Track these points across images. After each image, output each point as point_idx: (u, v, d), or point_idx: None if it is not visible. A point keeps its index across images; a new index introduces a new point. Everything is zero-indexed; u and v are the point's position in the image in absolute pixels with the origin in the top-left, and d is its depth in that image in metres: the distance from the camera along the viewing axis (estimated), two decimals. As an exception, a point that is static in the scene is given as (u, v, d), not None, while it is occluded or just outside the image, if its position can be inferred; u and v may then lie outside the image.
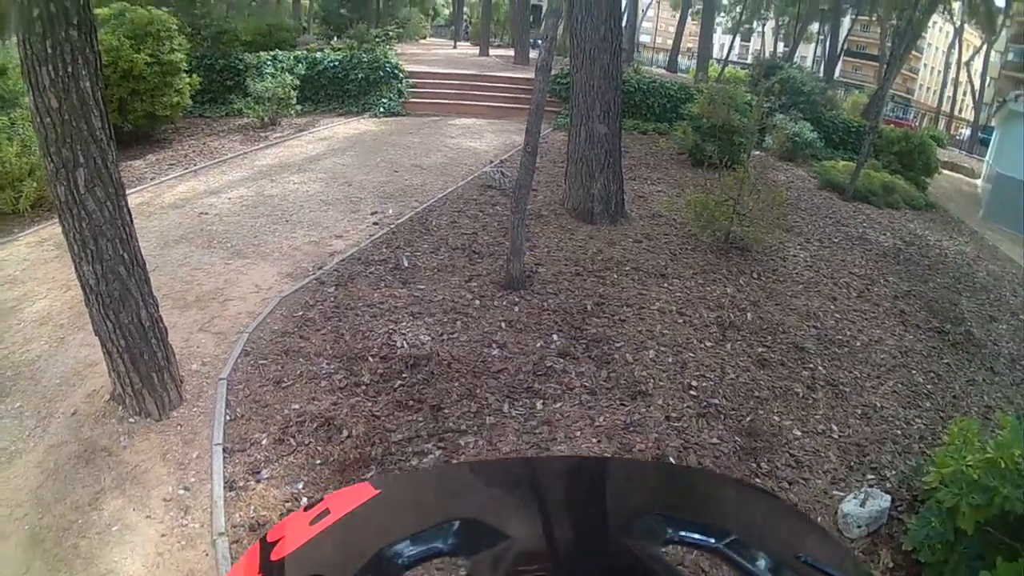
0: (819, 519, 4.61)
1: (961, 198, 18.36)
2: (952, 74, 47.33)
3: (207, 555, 4.10)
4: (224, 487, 4.56)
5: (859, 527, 4.48)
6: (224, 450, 4.87)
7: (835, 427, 5.67)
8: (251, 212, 9.14)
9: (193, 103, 13.32)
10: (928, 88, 60.13)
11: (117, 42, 10.88)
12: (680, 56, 38.20)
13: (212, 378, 5.64)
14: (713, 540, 1.38)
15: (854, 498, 4.63)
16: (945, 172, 19.95)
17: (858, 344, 7.14)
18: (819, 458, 5.24)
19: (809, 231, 10.56)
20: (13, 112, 8.91)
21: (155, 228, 8.21)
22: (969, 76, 46.65)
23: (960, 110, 51.14)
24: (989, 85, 46.18)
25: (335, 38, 22.55)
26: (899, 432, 5.81)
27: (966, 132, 42.29)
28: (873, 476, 5.15)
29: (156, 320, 5.08)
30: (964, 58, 45.51)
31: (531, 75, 17.15)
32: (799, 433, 5.48)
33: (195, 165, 11.33)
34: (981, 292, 9.79)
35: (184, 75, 12.44)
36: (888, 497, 4.68)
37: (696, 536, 1.41)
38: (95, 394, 5.40)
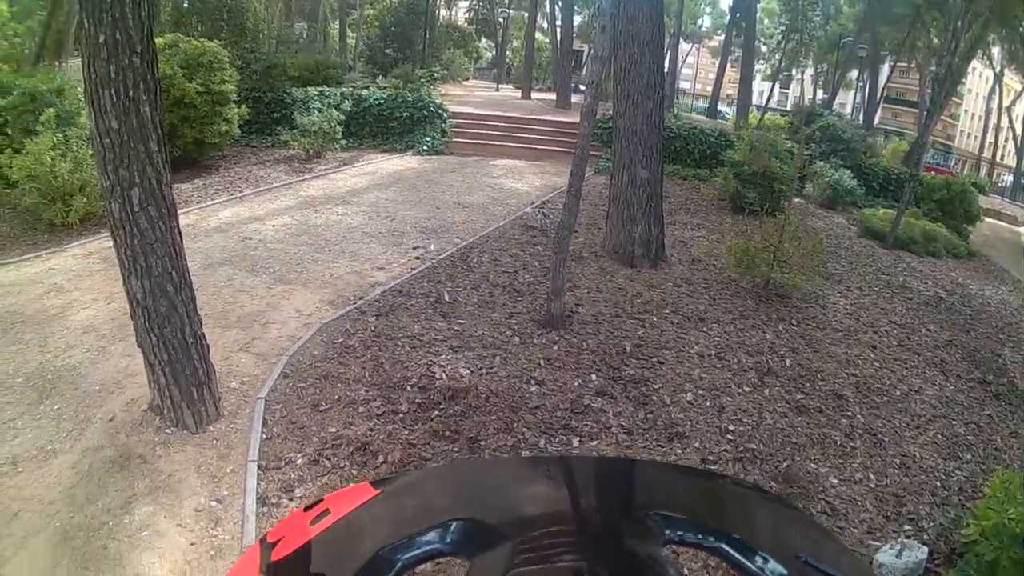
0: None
1: (1004, 246, 18.07)
2: (993, 120, 46.79)
3: (235, 566, 4.13)
4: (257, 502, 4.61)
5: (895, 579, 4.40)
6: (259, 467, 4.92)
7: (872, 476, 5.58)
8: (294, 240, 9.34)
9: (241, 132, 13.76)
10: (969, 134, 59.50)
11: (171, 70, 11.33)
12: (719, 102, 38.38)
13: (250, 397, 5.73)
14: (713, 540, 1.39)
15: (890, 548, 4.51)
16: (987, 220, 19.66)
17: (897, 393, 7.04)
18: (855, 507, 5.15)
19: (849, 279, 10.48)
20: (68, 131, 9.28)
21: (200, 249, 8.43)
22: (1011, 121, 46.09)
23: (1002, 156, 50.43)
24: (1031, 130, 45.56)
25: (380, 77, 23.09)
26: (938, 483, 5.70)
27: (1008, 178, 41.72)
28: (910, 527, 5.05)
29: (199, 337, 5.19)
30: (1005, 103, 45.03)
31: (572, 119, 17.53)
32: (836, 481, 5.40)
33: (240, 192, 11.65)
34: (1025, 343, 9.60)
35: (233, 105, 12.89)
36: (925, 549, 4.56)
37: (696, 536, 1.41)
38: (133, 403, 5.49)
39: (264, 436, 5.27)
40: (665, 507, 1.51)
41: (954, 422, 6.77)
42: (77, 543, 4.22)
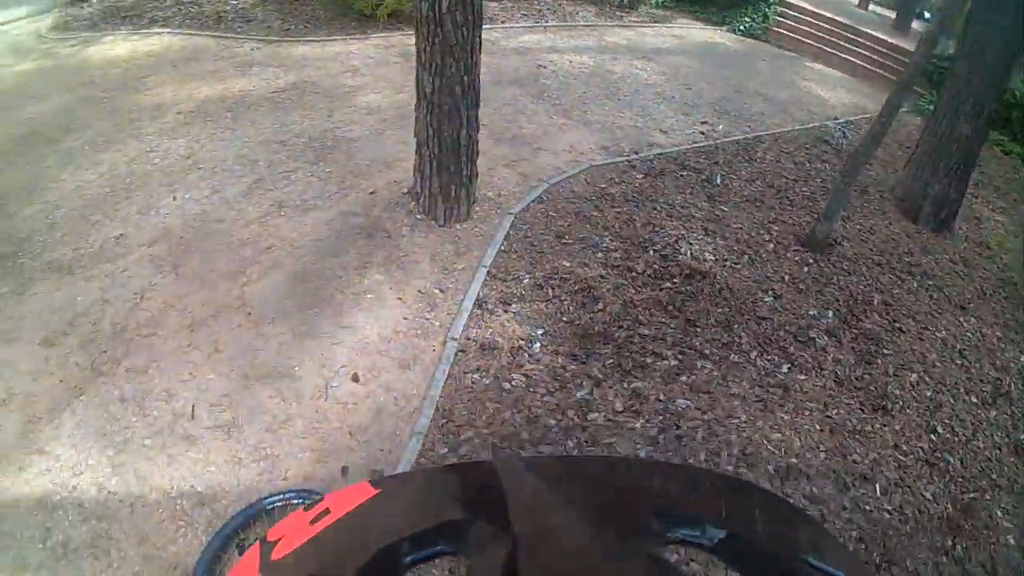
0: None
1: None
2: None
3: (434, 350, 4.61)
4: (474, 303, 5.03)
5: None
6: (488, 274, 5.33)
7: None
8: (586, 80, 9.46)
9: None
10: None
11: None
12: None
13: (502, 210, 6.13)
14: (714, 540, 1.36)
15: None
16: None
17: None
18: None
19: None
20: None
21: (493, 65, 8.80)
22: None
23: None
24: None
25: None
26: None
27: None
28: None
29: (473, 142, 5.54)
30: None
31: (905, 45, 15.64)
32: (1012, 541, 4.83)
33: (545, 21, 11.87)
34: None
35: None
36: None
37: (696, 536, 1.38)
38: (394, 184, 6.08)
39: (502, 248, 5.66)
40: (666, 507, 1.48)
41: None
42: (309, 285, 4.92)
